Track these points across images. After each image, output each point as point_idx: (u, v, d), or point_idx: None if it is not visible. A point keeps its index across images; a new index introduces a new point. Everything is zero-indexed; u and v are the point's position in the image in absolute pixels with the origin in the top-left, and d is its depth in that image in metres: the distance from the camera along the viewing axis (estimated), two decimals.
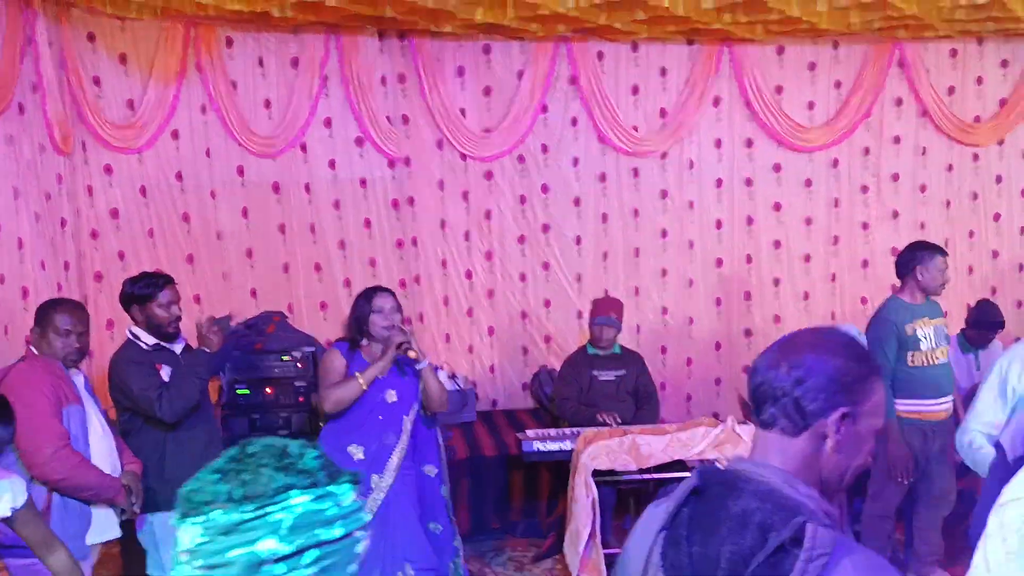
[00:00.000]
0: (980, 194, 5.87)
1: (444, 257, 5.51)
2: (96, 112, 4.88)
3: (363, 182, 5.39)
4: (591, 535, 3.88)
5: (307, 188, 5.32)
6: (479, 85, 5.40)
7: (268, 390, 4.61)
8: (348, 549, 1.09)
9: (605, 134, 5.50)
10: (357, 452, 3.34)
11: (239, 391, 4.58)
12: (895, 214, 5.84)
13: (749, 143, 5.70)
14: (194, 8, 4.44)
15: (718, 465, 1.37)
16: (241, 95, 5.13)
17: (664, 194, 5.66)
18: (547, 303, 5.60)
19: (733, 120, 5.66)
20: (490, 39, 5.34)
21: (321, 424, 4.64)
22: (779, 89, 5.66)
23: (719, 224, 5.73)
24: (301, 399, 4.64)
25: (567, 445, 4.22)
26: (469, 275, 5.55)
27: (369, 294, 3.50)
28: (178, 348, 3.44)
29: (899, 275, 4.02)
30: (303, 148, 5.27)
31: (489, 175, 5.50)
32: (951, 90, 5.76)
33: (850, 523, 4.41)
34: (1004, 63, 5.77)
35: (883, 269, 5.74)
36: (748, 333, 5.78)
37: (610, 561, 3.78)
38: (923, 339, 3.88)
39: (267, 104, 5.19)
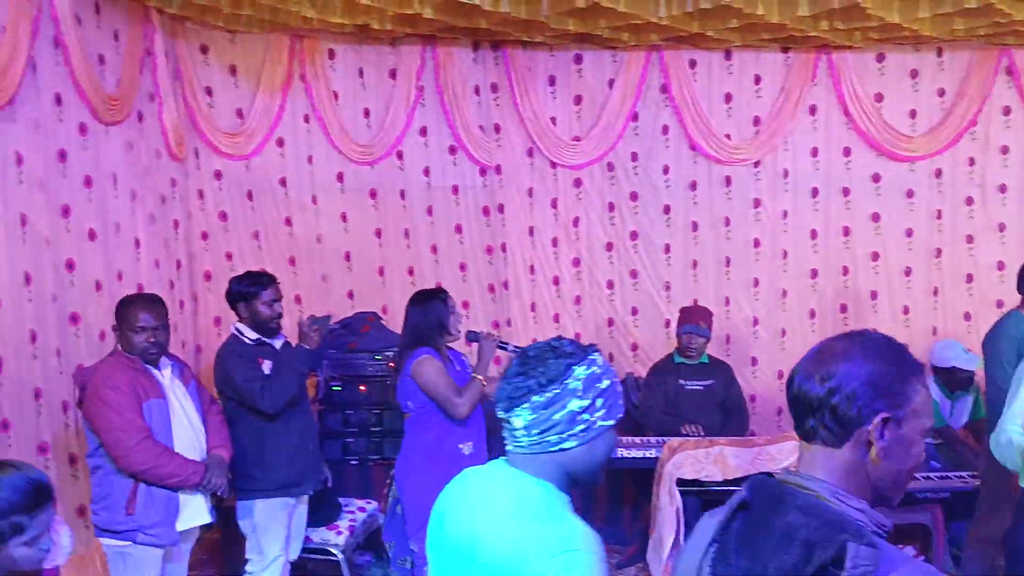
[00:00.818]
0: None
1: (532, 263, 5.58)
2: (208, 120, 5.18)
3: (455, 189, 5.52)
4: (675, 543, 3.87)
5: (402, 195, 5.48)
6: (570, 94, 5.46)
7: (361, 387, 4.79)
8: (615, 391, 1.57)
9: (696, 142, 5.48)
10: (467, 448, 3.49)
11: (334, 388, 4.77)
12: (1001, 227, 5.59)
13: (847, 152, 5.57)
14: (299, 21, 4.66)
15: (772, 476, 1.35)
16: (342, 105, 5.34)
17: (757, 203, 5.59)
18: (634, 311, 5.60)
19: (830, 129, 5.54)
20: (582, 49, 5.40)
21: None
22: (879, 97, 5.51)
23: (814, 234, 5.61)
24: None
25: (652, 453, 4.22)
26: (556, 282, 5.61)
27: (440, 295, 3.58)
28: (278, 344, 3.62)
29: (1020, 290, 3.87)
30: (399, 156, 5.44)
31: (578, 183, 5.55)
32: None
33: (947, 546, 4.25)
34: None
35: (988, 284, 5.50)
36: None
37: None
38: None
39: (366, 113, 5.38)
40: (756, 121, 5.53)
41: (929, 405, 1.29)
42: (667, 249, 5.59)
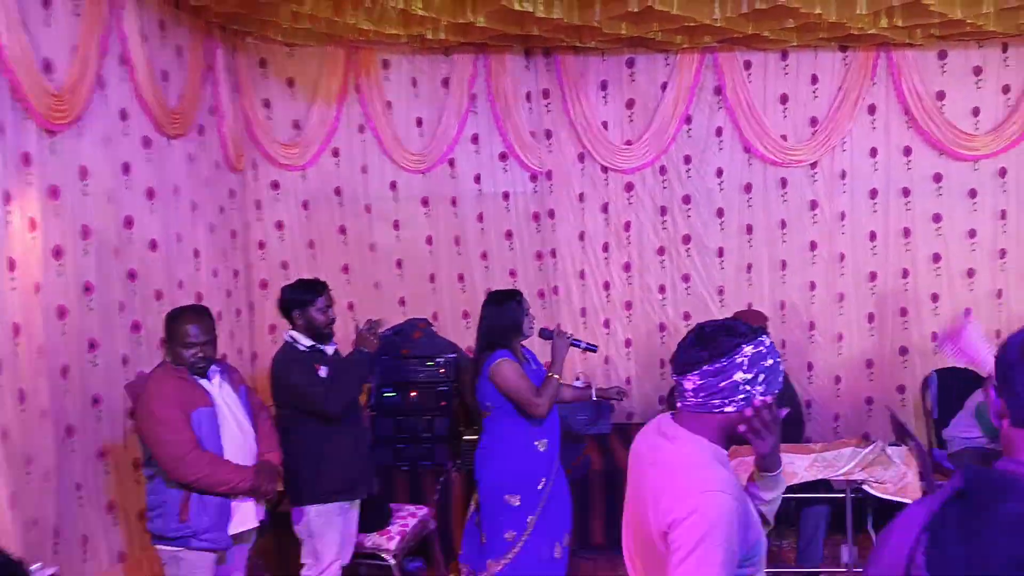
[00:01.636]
0: None
1: (582, 268, 5.56)
2: (265, 132, 5.31)
3: (506, 195, 5.54)
4: None
5: (453, 202, 5.53)
6: (622, 98, 5.44)
7: (412, 393, 4.81)
8: (777, 370, 1.81)
9: (751, 144, 5.40)
10: (542, 444, 3.59)
11: (386, 394, 4.81)
12: None
13: (907, 152, 5.42)
14: (355, 34, 4.75)
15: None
16: (395, 114, 5.42)
17: (814, 205, 5.48)
18: (686, 316, 5.54)
19: (889, 128, 5.41)
20: (634, 52, 5.37)
21: (462, 428, 4.85)
22: (940, 95, 5.35)
23: (873, 236, 5.48)
24: (443, 403, 4.82)
25: None
26: (607, 287, 5.58)
27: (514, 297, 3.66)
28: (330, 350, 3.67)
29: None
30: (451, 163, 5.49)
31: (629, 187, 5.52)
32: None
33: None
34: None
35: None
36: (903, 351, 5.48)
37: None
38: None
39: (419, 122, 5.45)
40: (813, 122, 5.43)
41: None
42: (720, 253, 5.52)
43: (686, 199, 5.51)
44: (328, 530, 3.54)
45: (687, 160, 5.49)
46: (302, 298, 3.55)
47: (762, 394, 1.78)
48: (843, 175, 5.46)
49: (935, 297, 5.48)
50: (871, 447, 3.92)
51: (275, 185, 5.42)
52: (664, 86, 5.42)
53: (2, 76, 3.01)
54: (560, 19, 4.37)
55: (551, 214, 5.54)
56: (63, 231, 3.42)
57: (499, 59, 5.36)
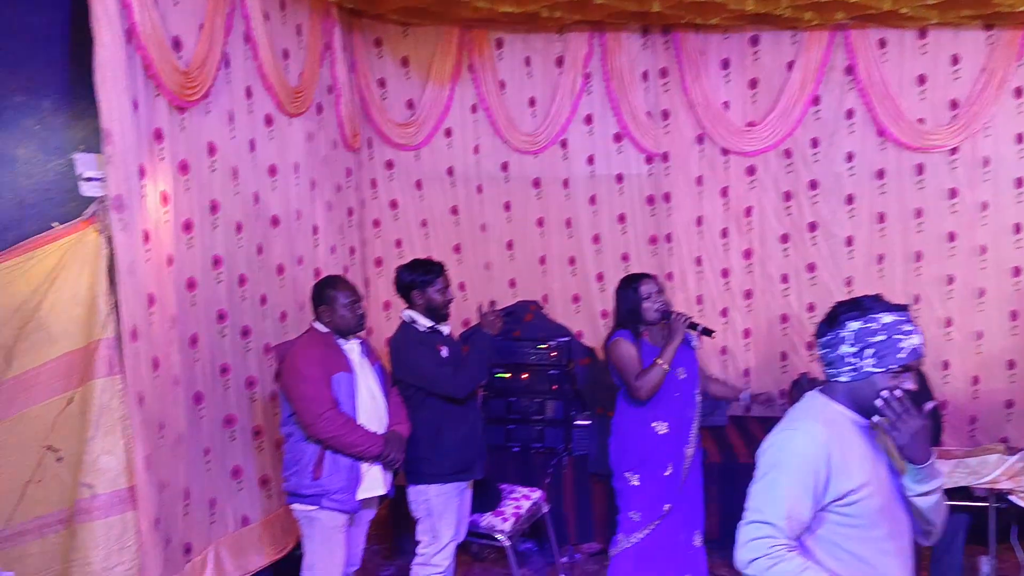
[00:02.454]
0: None
1: (699, 255, 5.37)
2: (381, 111, 5.33)
3: (619, 178, 5.40)
4: None
5: (565, 183, 5.42)
6: (745, 77, 5.20)
7: (524, 376, 4.78)
8: (891, 346, 1.97)
9: (885, 127, 5.08)
10: (661, 428, 3.61)
11: (497, 375, 4.79)
12: None
13: None
14: (469, 12, 4.69)
15: None
16: (508, 94, 5.34)
17: (953, 193, 5.12)
18: (810, 307, 5.27)
19: None
20: (759, 30, 5.13)
21: (573, 413, 4.78)
22: None
23: (1017, 228, 5.08)
24: (555, 387, 4.76)
25: None
26: (725, 274, 5.37)
27: (633, 283, 3.64)
28: (446, 330, 3.66)
29: None
30: (563, 144, 5.38)
31: (751, 170, 5.28)
32: None
33: None
34: None
35: None
36: None
37: None
38: None
39: (532, 102, 5.36)
40: (953, 105, 5.06)
41: None
42: (849, 242, 5.23)
43: (813, 184, 5.24)
44: (447, 510, 3.55)
45: (814, 143, 5.21)
46: (423, 279, 3.54)
47: (872, 366, 1.97)
48: (986, 162, 5.08)
49: None
50: (1020, 454, 3.63)
51: (389, 164, 5.43)
52: (790, 65, 5.15)
53: (136, 53, 3.06)
54: None
55: (666, 197, 5.36)
56: (192, 206, 3.49)
57: (615, 37, 5.21)
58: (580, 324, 5.42)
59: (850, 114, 5.15)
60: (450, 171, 5.44)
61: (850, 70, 5.10)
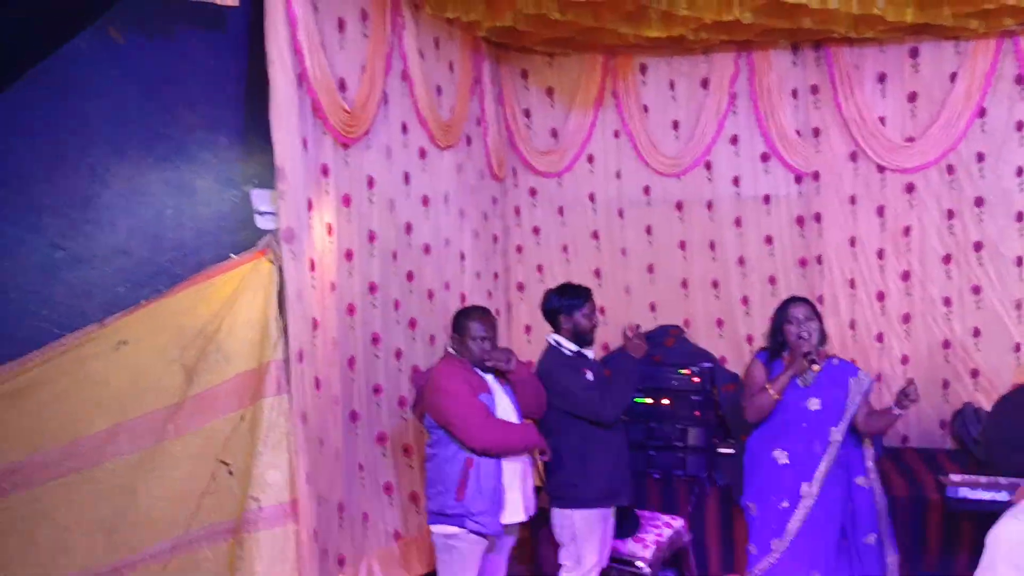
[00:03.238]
0: None
1: (853, 277, 5.16)
2: (525, 141, 5.48)
3: (767, 198, 5.28)
4: None
5: (709, 205, 5.36)
6: (903, 91, 4.99)
7: (665, 401, 4.73)
8: None
9: None
10: (782, 457, 3.47)
11: (638, 400, 4.76)
12: None
13: None
14: (615, 39, 4.75)
15: None
16: (651, 117, 5.36)
17: None
18: (976, 332, 4.95)
19: None
20: (918, 41, 4.91)
21: (716, 440, 4.69)
22: None
23: None
24: (697, 413, 4.68)
25: (1001, 496, 3.66)
26: (881, 297, 5.13)
27: (786, 304, 3.57)
28: (590, 355, 3.69)
29: None
30: (707, 166, 5.33)
31: (910, 188, 5.03)
32: None
33: None
34: None
35: None
36: None
37: None
38: None
39: (675, 125, 5.35)
40: None
41: None
42: (1019, 262, 4.89)
43: (979, 201, 4.93)
44: (591, 535, 3.56)
45: (980, 157, 4.91)
46: (570, 303, 3.60)
47: None
48: None
49: None
50: None
51: (532, 192, 5.57)
52: (953, 76, 4.89)
53: (307, 95, 3.33)
54: (837, 9, 4.09)
55: (817, 217, 5.20)
56: (352, 236, 3.73)
57: (763, 55, 5.13)
58: (724, 349, 5.32)
59: (1020, 126, 4.84)
60: (591, 196, 5.50)
61: (1020, 79, 4.80)
